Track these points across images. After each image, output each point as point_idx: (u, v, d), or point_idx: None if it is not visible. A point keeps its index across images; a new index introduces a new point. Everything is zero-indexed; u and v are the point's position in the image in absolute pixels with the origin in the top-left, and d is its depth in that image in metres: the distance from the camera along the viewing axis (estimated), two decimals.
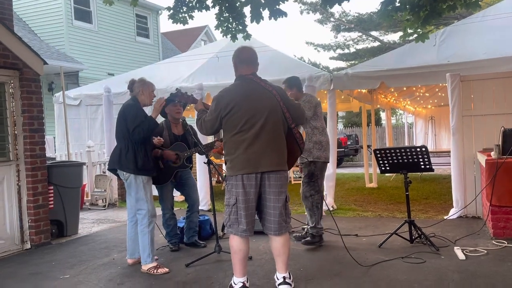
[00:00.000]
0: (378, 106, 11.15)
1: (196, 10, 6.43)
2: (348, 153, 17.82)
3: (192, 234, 4.75)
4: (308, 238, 4.37)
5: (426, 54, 6.62)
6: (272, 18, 5.63)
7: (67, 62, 12.57)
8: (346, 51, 24.45)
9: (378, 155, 4.21)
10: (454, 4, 5.03)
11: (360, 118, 12.22)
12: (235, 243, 3.08)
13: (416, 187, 8.63)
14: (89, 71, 13.16)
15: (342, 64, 25.40)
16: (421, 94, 11.58)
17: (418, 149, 4.06)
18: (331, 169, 6.92)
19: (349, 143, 18.60)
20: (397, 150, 4.12)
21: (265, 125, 3.02)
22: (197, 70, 8.91)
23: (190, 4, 6.32)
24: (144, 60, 14.85)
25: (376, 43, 23.00)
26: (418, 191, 8.23)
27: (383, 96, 10.33)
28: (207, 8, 6.29)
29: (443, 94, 11.14)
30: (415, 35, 5.57)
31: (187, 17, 6.48)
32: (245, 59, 3.16)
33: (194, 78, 8.48)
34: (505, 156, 4.23)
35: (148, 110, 4.19)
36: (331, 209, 6.82)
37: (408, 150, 4.09)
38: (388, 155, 4.17)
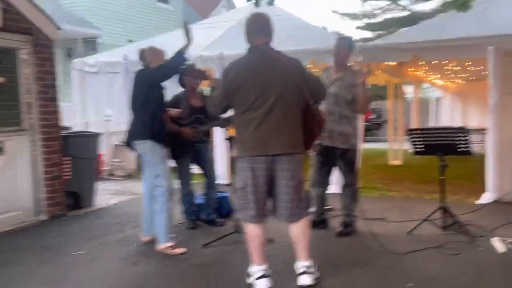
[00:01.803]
0: (406, 80, 10.65)
1: None
2: (370, 127, 17.36)
3: (210, 212, 4.55)
4: (341, 229, 4.07)
5: (463, 24, 6.10)
6: None
7: (86, 28, 12.32)
8: (373, 20, 23.48)
9: (412, 136, 3.88)
10: None
11: (385, 91, 11.75)
12: (249, 229, 2.86)
13: None
14: (108, 37, 12.89)
15: (369, 34, 24.41)
16: (452, 68, 10.99)
17: (458, 130, 3.71)
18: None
19: (372, 117, 18.10)
20: (434, 131, 3.78)
21: (278, 102, 2.69)
22: (218, 38, 8.56)
23: None
24: (165, 26, 14.43)
25: (405, 13, 21.98)
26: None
27: (412, 69, 9.82)
28: None
29: (475, 68, 10.52)
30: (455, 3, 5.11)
31: None
32: (257, 28, 2.81)
33: (215, 46, 8.14)
34: None
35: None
36: None
37: (446, 130, 3.74)
38: (425, 135, 3.83)
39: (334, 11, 26.33)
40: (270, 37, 2.83)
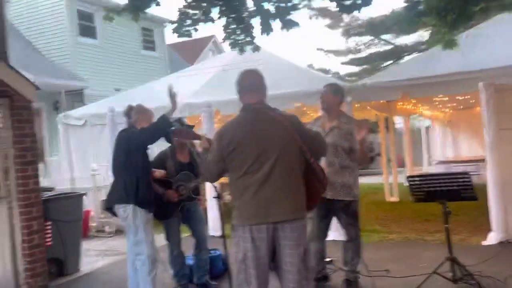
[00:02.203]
0: (396, 115, 10.58)
1: (201, 23, 6.00)
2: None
3: (202, 274, 4.25)
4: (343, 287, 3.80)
5: (451, 60, 6.05)
6: (285, 29, 5.15)
7: (71, 80, 12.25)
8: (358, 55, 23.90)
9: (412, 183, 3.68)
10: (488, 6, 4.51)
11: (375, 124, 11.72)
12: None
13: None
14: (95, 87, 12.80)
15: (354, 69, 24.83)
16: (440, 99, 10.99)
17: (460, 177, 3.51)
18: None
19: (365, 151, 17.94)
20: (435, 177, 3.58)
21: (277, 164, 2.48)
22: (205, 84, 8.49)
23: (195, 17, 5.88)
24: (151, 73, 14.44)
25: (389, 46, 22.41)
26: None
27: (400, 103, 9.79)
28: (212, 20, 5.84)
29: (463, 97, 10.53)
30: (442, 42, 5.06)
31: (192, 30, 6.04)
32: (249, 86, 2.64)
33: (202, 93, 8.05)
34: None
35: None
36: None
37: (447, 177, 3.55)
38: (424, 183, 3.63)
39: (318, 49, 26.76)
40: (263, 94, 2.66)
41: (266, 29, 5.32)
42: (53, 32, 13.16)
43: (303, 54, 58.21)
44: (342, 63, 24.82)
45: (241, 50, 6.67)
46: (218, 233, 6.33)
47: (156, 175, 3.80)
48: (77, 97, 12.36)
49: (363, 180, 13.02)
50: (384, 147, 10.01)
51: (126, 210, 3.46)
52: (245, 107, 2.62)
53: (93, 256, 5.87)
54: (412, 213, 7.27)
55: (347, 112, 6.63)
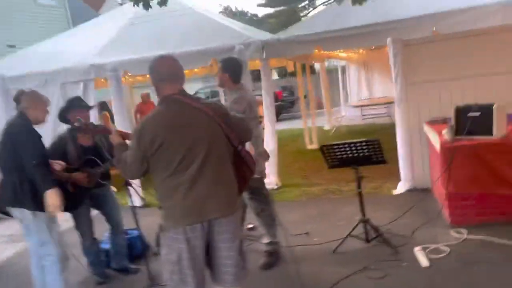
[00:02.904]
0: (313, 61, 10.63)
1: None
2: (284, 106, 17.44)
3: (120, 258, 4.06)
4: (264, 260, 3.78)
5: (361, 12, 6.02)
6: None
7: None
8: None
9: (326, 152, 3.68)
10: None
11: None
12: None
13: None
14: None
15: (270, 10, 24.38)
16: None
17: (370, 143, 3.57)
18: (271, 145, 6.42)
19: (285, 95, 18.18)
20: (347, 145, 3.61)
21: (208, 158, 2.31)
22: (111, 40, 7.76)
23: None
24: (51, 26, 13.03)
25: None
26: None
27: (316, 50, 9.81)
28: None
29: None
30: None
31: None
32: (168, 75, 2.37)
33: (107, 52, 7.37)
34: (460, 137, 3.88)
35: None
36: (275, 187, 6.39)
37: (359, 144, 3.58)
38: (337, 150, 3.65)
39: None
40: (182, 82, 2.41)
41: None
42: None
43: None
44: (258, 5, 24.17)
45: (147, 5, 6.12)
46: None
47: (55, 169, 3.40)
48: None
49: (284, 126, 13.38)
50: (302, 91, 10.09)
51: (22, 213, 3.11)
52: (165, 99, 2.36)
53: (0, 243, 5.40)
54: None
55: (263, 68, 6.57)
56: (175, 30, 7.49)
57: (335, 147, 3.63)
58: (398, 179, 5.43)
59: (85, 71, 6.96)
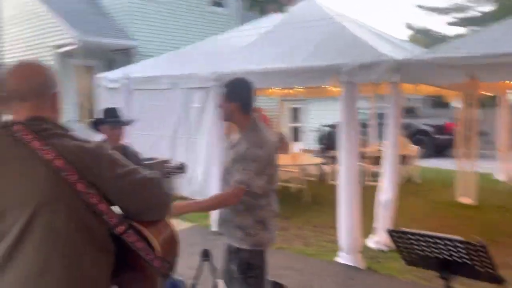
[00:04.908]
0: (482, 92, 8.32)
1: None
2: (451, 141, 14.73)
3: None
4: None
5: None
6: None
7: (127, 39, 11.84)
8: (469, 14, 20.44)
9: (396, 239, 2.28)
10: None
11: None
12: None
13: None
14: (152, 46, 12.27)
15: (461, 30, 21.38)
16: None
17: (470, 247, 2.02)
18: (389, 193, 4.97)
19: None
20: (427, 239, 2.13)
21: (25, 236, 1.36)
22: (240, 49, 7.34)
23: None
24: (218, 30, 13.42)
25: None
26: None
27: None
28: None
29: None
30: None
31: None
32: (14, 92, 1.48)
33: (232, 60, 6.93)
34: None
35: None
36: (383, 248, 4.92)
37: (448, 242, 2.07)
38: (414, 241, 2.21)
39: (419, 6, 23.46)
40: (43, 107, 1.50)
41: None
42: None
43: (400, 12, 52.25)
44: (448, 24, 21.39)
45: (262, 12, 5.37)
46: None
47: None
48: (131, 56, 11.95)
49: (437, 165, 11.10)
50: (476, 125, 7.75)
51: None
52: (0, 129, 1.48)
53: None
54: (486, 229, 5.59)
55: (394, 96, 5.13)
56: (308, 42, 6.63)
57: (409, 235, 2.19)
58: None
59: (206, 78, 6.67)
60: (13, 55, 12.10)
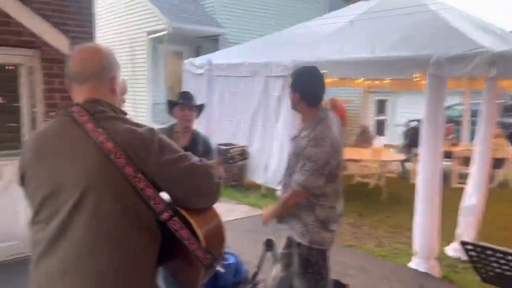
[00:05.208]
0: None
1: None
2: None
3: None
4: None
5: None
6: None
7: (215, 26, 12.07)
8: None
9: (471, 254, 2.02)
10: None
11: None
12: None
13: None
14: (240, 32, 12.40)
15: None
16: None
17: None
18: (475, 198, 4.55)
19: None
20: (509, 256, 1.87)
21: (76, 214, 1.39)
22: (323, 37, 7.14)
23: None
24: (304, 18, 13.19)
25: None
26: None
27: None
28: None
29: None
30: None
31: None
32: (74, 74, 1.52)
33: (314, 48, 6.77)
34: None
35: None
36: (464, 257, 4.52)
37: None
38: (491, 258, 1.94)
39: None
40: (97, 85, 1.51)
41: None
42: None
43: None
44: None
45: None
46: None
47: None
48: (219, 43, 12.20)
49: None
50: None
51: None
52: (63, 110, 1.54)
53: None
54: None
55: (488, 92, 4.59)
56: (395, 30, 6.25)
57: (488, 251, 1.93)
58: None
59: (285, 67, 6.62)
60: (108, 38, 12.97)
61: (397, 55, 5.37)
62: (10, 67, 4.06)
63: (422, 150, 4.42)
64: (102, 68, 1.52)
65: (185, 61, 9.18)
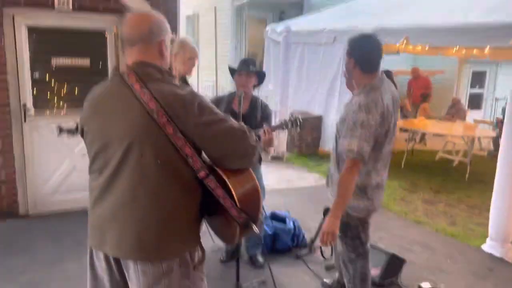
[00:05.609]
0: None
1: None
2: None
3: (252, 245, 3.60)
4: None
5: None
6: None
7: None
8: None
9: None
10: None
11: None
12: None
13: None
14: None
15: None
16: None
17: None
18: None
19: None
20: None
21: (122, 169, 1.56)
22: (402, 3, 6.71)
23: None
24: None
25: None
26: None
27: None
28: None
29: None
30: None
31: None
32: (126, 37, 1.65)
33: (395, 14, 6.40)
34: None
35: None
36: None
37: None
38: None
39: None
40: (148, 49, 1.63)
41: None
42: None
43: None
44: None
45: None
46: None
47: None
48: (303, 10, 11.97)
49: None
50: None
51: None
52: (113, 70, 1.69)
53: None
54: None
55: None
56: None
57: None
58: None
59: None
60: (192, 3, 13.25)
61: (493, 21, 4.92)
62: (99, 32, 4.42)
63: (508, 126, 4.07)
64: (150, 32, 1.63)
65: (267, 28, 9.21)
